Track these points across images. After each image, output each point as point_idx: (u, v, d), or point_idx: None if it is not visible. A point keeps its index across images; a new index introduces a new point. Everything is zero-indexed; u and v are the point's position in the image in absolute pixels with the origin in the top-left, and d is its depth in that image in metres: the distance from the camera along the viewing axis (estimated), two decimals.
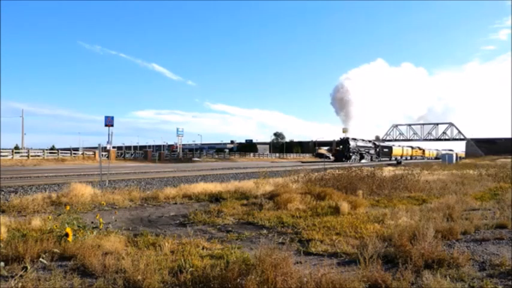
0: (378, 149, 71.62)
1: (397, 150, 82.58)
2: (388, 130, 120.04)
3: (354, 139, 63.28)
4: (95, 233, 5.09)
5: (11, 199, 8.47)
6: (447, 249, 4.77)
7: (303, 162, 52.37)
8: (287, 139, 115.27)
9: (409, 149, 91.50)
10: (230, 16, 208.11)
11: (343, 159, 55.78)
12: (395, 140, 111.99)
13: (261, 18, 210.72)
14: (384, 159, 69.65)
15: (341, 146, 60.30)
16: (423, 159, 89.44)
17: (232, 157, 70.04)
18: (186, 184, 12.26)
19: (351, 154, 58.92)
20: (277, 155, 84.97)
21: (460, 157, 72.43)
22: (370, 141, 71.18)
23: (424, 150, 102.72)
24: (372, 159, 65.60)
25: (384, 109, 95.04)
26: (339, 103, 76.00)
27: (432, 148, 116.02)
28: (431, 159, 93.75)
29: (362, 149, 64.15)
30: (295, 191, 9.75)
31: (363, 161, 60.58)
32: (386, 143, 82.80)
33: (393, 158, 71.15)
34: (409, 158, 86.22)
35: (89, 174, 17.88)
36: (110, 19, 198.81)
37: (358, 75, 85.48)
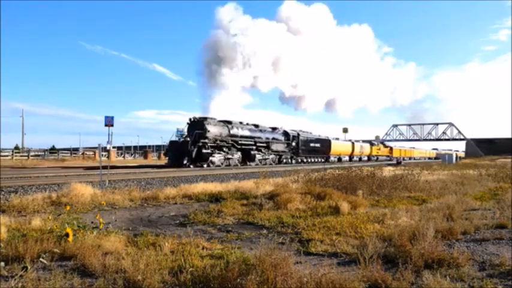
0: (296, 143, 41.79)
1: (339, 146, 53.38)
2: (388, 130, 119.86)
3: (226, 122, 31.37)
4: (95, 233, 5.09)
5: (11, 199, 8.46)
6: (447, 249, 4.77)
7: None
8: None
9: (367, 146, 64.59)
10: None
11: (186, 162, 26.41)
12: (395, 140, 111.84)
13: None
14: (310, 160, 44.55)
15: (187, 138, 28.46)
16: (390, 160, 61.80)
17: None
18: (186, 184, 12.25)
19: (208, 152, 27.85)
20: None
21: (459, 157, 70.90)
22: (274, 129, 38.90)
23: (391, 149, 76.63)
24: (280, 161, 37.90)
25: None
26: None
27: (406, 146, 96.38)
28: (404, 160, 66.18)
29: (249, 142, 33.21)
30: (295, 191, 9.75)
31: (253, 163, 32.56)
32: (324, 136, 50.52)
33: (331, 158, 50.34)
34: (365, 158, 62.80)
35: (89, 174, 17.87)
36: (111, 19, 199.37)
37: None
